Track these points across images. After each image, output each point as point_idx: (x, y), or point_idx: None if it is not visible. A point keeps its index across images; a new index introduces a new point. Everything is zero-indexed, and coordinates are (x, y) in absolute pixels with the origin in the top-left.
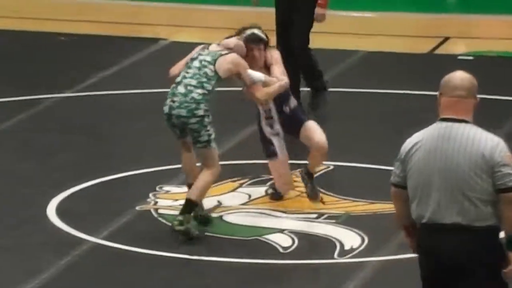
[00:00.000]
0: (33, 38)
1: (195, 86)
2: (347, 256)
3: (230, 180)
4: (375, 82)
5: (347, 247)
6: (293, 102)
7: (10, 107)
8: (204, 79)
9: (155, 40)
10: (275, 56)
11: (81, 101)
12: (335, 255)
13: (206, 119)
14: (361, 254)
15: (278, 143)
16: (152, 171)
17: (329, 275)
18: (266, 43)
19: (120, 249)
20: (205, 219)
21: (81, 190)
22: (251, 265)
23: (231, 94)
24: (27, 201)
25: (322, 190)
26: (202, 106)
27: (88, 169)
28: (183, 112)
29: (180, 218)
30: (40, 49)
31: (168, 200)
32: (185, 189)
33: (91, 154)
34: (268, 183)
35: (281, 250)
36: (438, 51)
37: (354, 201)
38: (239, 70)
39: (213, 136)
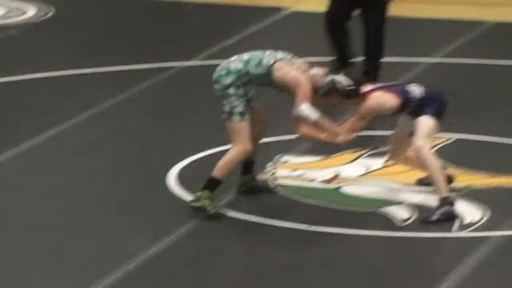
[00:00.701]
0: (160, 6)
1: (241, 61)
2: (466, 230)
3: (349, 151)
4: (500, 54)
5: (467, 221)
6: None
7: (140, 74)
8: (255, 62)
9: (277, 10)
10: (364, 106)
11: (204, 70)
12: (455, 229)
13: (232, 90)
14: (481, 228)
15: None
16: (272, 141)
17: (447, 249)
18: (347, 95)
19: (238, 219)
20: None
21: (201, 158)
22: (366, 238)
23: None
24: (152, 166)
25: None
26: (231, 77)
27: (209, 137)
28: (214, 75)
29: (198, 193)
30: (166, 17)
31: (286, 170)
32: (304, 159)
33: (213, 122)
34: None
35: (399, 223)
36: None
37: (475, 174)
38: (295, 88)
39: (237, 110)
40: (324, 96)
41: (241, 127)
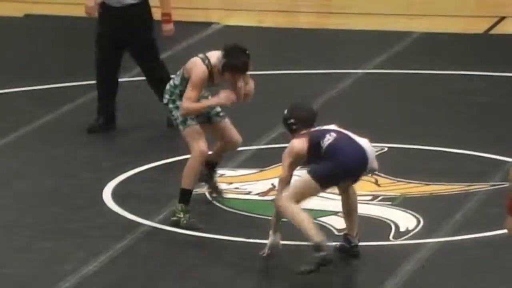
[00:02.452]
0: (88, 24)
1: (175, 76)
2: (402, 238)
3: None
4: (429, 63)
5: (402, 229)
6: None
7: (70, 92)
8: (178, 74)
9: (207, 24)
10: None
11: (135, 86)
12: (391, 237)
13: (170, 104)
14: (416, 236)
15: None
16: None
17: (384, 257)
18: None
19: (176, 232)
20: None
21: (136, 173)
22: (306, 247)
23: (284, 78)
24: (86, 185)
25: (376, 172)
26: (167, 93)
27: (144, 152)
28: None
29: (174, 207)
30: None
31: (223, 184)
32: (240, 172)
33: (147, 138)
34: None
35: (335, 232)
36: (494, 31)
37: (409, 182)
38: (191, 77)
39: (179, 120)
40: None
41: (188, 133)
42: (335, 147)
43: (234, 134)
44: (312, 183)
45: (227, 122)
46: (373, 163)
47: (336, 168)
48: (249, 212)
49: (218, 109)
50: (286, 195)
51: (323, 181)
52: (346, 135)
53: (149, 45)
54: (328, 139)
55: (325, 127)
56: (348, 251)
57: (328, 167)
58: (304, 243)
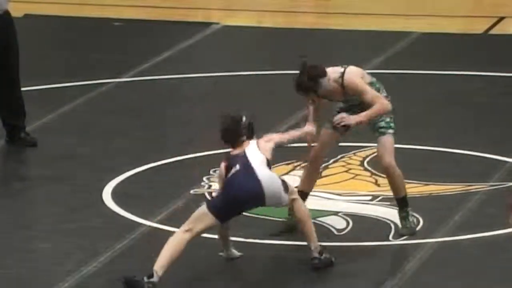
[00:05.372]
0: (87, 24)
1: None
2: (402, 238)
3: (284, 163)
4: (428, 63)
5: None
6: None
7: (69, 92)
8: None
9: (207, 25)
10: None
11: (135, 86)
12: (390, 237)
13: None
14: (416, 235)
15: None
16: (206, 155)
17: (384, 257)
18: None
19: (173, 232)
20: None
21: (136, 174)
22: (305, 248)
23: (283, 78)
24: (85, 185)
25: (376, 172)
26: None
27: (143, 153)
28: None
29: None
30: (95, 34)
31: None
32: None
33: (147, 138)
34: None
35: (335, 232)
36: (493, 31)
37: (408, 183)
38: None
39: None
40: None
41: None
42: (230, 181)
43: (382, 155)
44: (208, 214)
45: (383, 140)
46: (276, 198)
47: (229, 202)
48: (249, 212)
49: (382, 124)
50: (184, 224)
51: (216, 213)
52: (248, 167)
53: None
54: (232, 172)
55: (236, 151)
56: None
57: (221, 200)
58: (303, 243)
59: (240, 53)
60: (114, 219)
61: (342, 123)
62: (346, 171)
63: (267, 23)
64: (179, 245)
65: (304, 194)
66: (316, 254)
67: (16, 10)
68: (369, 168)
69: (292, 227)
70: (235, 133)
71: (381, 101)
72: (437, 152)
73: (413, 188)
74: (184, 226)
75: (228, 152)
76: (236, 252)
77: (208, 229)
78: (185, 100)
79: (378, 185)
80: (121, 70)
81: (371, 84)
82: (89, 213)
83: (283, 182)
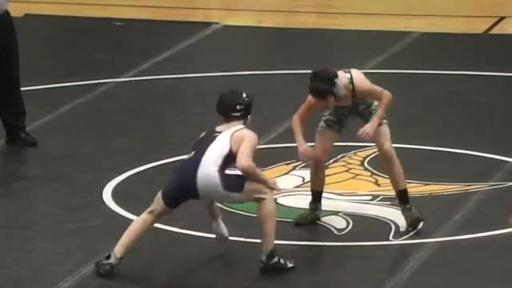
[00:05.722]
0: (88, 24)
1: None
2: (402, 238)
3: (283, 163)
4: (428, 63)
5: (402, 229)
6: None
7: (69, 92)
8: None
9: (207, 24)
10: None
11: (135, 86)
12: (390, 236)
13: None
14: (416, 235)
15: None
16: None
17: (384, 257)
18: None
19: (176, 232)
20: None
21: (136, 174)
22: (305, 248)
23: (283, 77)
24: (86, 185)
25: (376, 172)
26: None
27: (143, 153)
28: None
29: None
30: (95, 34)
31: None
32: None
33: (147, 138)
34: None
35: (335, 232)
36: (493, 31)
37: (408, 182)
38: None
39: None
40: None
41: None
42: (176, 168)
43: (382, 142)
44: (159, 199)
45: (380, 129)
46: (212, 195)
47: (170, 188)
48: (249, 212)
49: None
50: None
51: (163, 198)
52: (198, 158)
53: None
54: (185, 157)
55: (219, 128)
56: None
57: (166, 185)
58: (304, 243)
59: (240, 53)
60: (114, 219)
61: (369, 138)
62: (346, 171)
63: (267, 23)
64: (139, 225)
65: (316, 194)
66: (263, 258)
67: (16, 10)
68: (369, 168)
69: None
70: (230, 105)
71: (385, 96)
72: (437, 152)
73: (413, 188)
74: (148, 208)
75: (214, 127)
76: (225, 230)
77: (165, 213)
78: (185, 100)
79: (378, 185)
80: (121, 70)
81: None
82: (89, 213)
83: (236, 181)
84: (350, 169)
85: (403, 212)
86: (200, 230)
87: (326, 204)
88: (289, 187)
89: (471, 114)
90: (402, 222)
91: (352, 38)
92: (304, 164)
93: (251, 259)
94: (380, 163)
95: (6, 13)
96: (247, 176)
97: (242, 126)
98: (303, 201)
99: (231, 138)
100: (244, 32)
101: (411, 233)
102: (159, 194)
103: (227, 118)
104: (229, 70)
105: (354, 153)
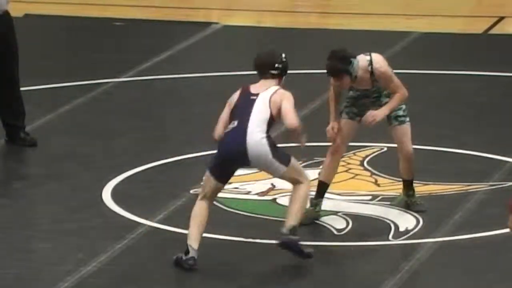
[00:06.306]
0: (88, 24)
1: None
2: (402, 238)
3: None
4: (428, 63)
5: (402, 229)
6: None
7: (69, 92)
8: None
9: (207, 24)
10: None
11: (135, 86)
12: (390, 236)
13: None
14: (416, 235)
15: None
16: (206, 155)
17: (384, 257)
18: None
19: (175, 232)
20: None
21: (136, 173)
22: (306, 247)
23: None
24: (86, 185)
25: (376, 172)
26: None
27: (143, 152)
28: None
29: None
30: (95, 34)
31: None
32: (239, 172)
33: (147, 138)
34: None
35: (335, 232)
36: (493, 31)
37: None
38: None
39: None
40: None
41: None
42: (223, 139)
43: (405, 143)
44: (209, 176)
45: (403, 128)
46: (262, 163)
47: (219, 160)
48: (249, 212)
49: (400, 112)
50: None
51: (212, 172)
52: (242, 127)
53: None
54: (228, 127)
55: (255, 89)
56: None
57: (213, 158)
58: (305, 243)
59: (240, 53)
60: (114, 219)
61: (373, 123)
62: (346, 171)
63: (267, 23)
64: (201, 213)
65: (321, 186)
66: (283, 230)
67: (16, 10)
68: (369, 168)
69: (313, 218)
70: (268, 63)
71: (402, 91)
72: (437, 152)
73: None
74: (199, 195)
75: (248, 86)
76: None
77: (217, 191)
78: (185, 100)
79: (378, 185)
80: (121, 70)
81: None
82: (89, 213)
83: (284, 155)
84: (350, 169)
85: (406, 195)
86: None
87: (326, 204)
88: (289, 187)
89: (471, 114)
90: (402, 222)
91: (352, 38)
92: (304, 164)
93: (251, 259)
94: (380, 163)
95: (6, 13)
96: (293, 135)
97: (277, 87)
98: None
99: (269, 102)
100: (244, 32)
101: (411, 233)
102: (207, 174)
103: (264, 76)
104: (229, 70)
105: (354, 153)
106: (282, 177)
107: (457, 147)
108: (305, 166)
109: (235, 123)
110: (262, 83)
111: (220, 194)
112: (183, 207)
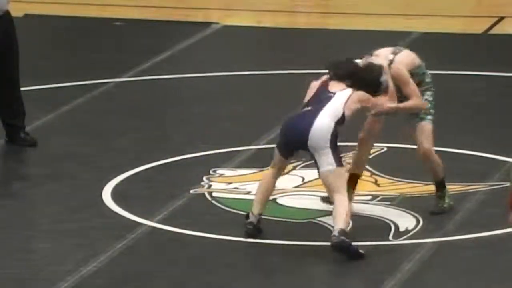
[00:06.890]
0: (88, 24)
1: None
2: (402, 238)
3: None
4: (428, 63)
5: (402, 229)
6: None
7: (69, 92)
8: None
9: (207, 24)
10: None
11: (135, 86)
12: (390, 236)
13: None
14: (416, 235)
15: None
16: (206, 155)
17: (384, 257)
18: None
19: (175, 232)
20: None
21: (136, 173)
22: (305, 248)
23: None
24: (86, 185)
25: (376, 172)
26: None
27: (143, 152)
28: None
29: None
30: (95, 34)
31: (222, 184)
32: (239, 172)
33: (147, 138)
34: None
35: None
36: (493, 31)
37: (408, 182)
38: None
39: None
40: None
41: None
42: (289, 119)
43: (421, 141)
44: (276, 153)
45: (422, 126)
46: (316, 147)
47: (282, 138)
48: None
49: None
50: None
51: (278, 148)
52: (314, 113)
53: None
54: (302, 109)
55: (333, 88)
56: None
57: (279, 140)
58: (305, 243)
59: (240, 53)
60: (114, 219)
61: (379, 109)
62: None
63: (267, 23)
64: (267, 180)
65: (354, 176)
66: (335, 233)
67: (16, 10)
68: (369, 168)
69: None
70: (353, 74)
71: (416, 100)
72: (437, 152)
73: (413, 188)
74: (271, 164)
75: (328, 79)
76: None
77: (283, 165)
78: (185, 100)
79: (378, 185)
80: (121, 70)
81: (420, 74)
82: (89, 213)
83: (339, 157)
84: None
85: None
86: (200, 230)
87: (326, 204)
88: (289, 187)
89: (470, 114)
90: (402, 222)
91: (352, 38)
92: (304, 164)
93: (251, 259)
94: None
95: (6, 13)
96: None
97: (351, 90)
98: (302, 201)
99: (345, 104)
100: (243, 32)
101: (411, 233)
102: (276, 147)
103: (341, 82)
104: (229, 70)
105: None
106: (325, 175)
107: (457, 147)
108: (305, 166)
109: (309, 108)
110: (338, 85)
111: (220, 194)
112: (183, 207)
